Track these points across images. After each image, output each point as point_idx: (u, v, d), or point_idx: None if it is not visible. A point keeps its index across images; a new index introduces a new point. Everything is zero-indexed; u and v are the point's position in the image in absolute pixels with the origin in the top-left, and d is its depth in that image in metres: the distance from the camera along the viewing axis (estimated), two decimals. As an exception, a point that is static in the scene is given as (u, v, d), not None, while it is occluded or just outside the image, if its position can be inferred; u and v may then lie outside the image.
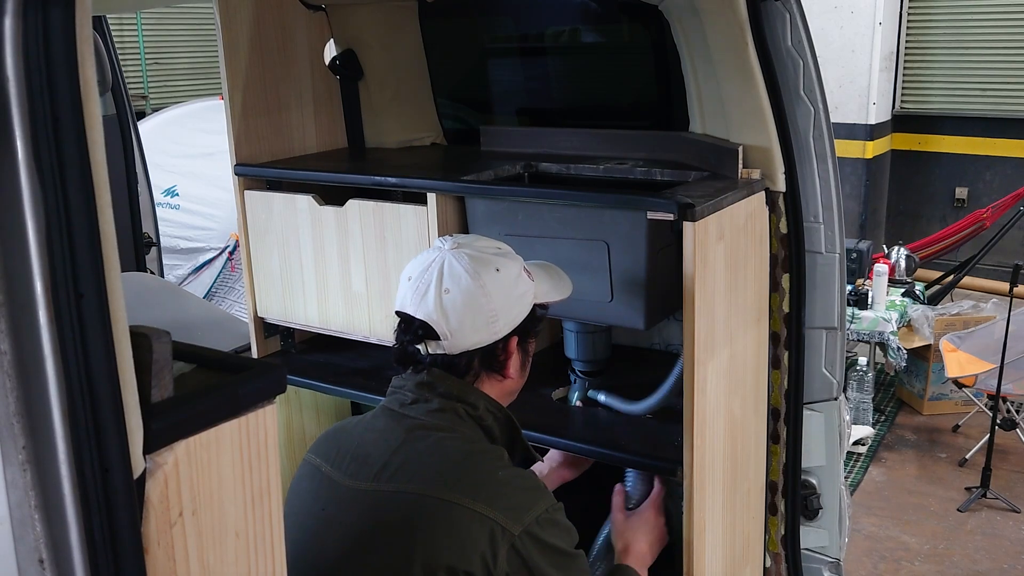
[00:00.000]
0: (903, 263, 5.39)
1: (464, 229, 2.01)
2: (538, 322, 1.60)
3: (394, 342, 1.57)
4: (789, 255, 1.92)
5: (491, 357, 1.54)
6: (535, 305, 1.58)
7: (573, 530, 1.48)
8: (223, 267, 5.81)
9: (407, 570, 1.36)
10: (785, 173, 1.85)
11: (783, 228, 1.90)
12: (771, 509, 2.06)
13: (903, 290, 5.26)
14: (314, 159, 2.35)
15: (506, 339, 1.53)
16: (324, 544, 1.45)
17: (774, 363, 1.99)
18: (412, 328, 1.51)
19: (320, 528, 1.46)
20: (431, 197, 1.95)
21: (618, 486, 1.89)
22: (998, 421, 4.35)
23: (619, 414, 1.96)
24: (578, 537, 1.49)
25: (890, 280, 5.16)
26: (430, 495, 1.40)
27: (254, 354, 2.36)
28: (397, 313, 1.54)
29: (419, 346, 1.51)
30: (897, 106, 7.45)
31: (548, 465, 1.99)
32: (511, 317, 1.52)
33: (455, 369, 1.52)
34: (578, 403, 2.03)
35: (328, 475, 1.50)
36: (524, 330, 1.57)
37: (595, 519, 1.95)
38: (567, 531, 1.46)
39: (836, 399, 2.02)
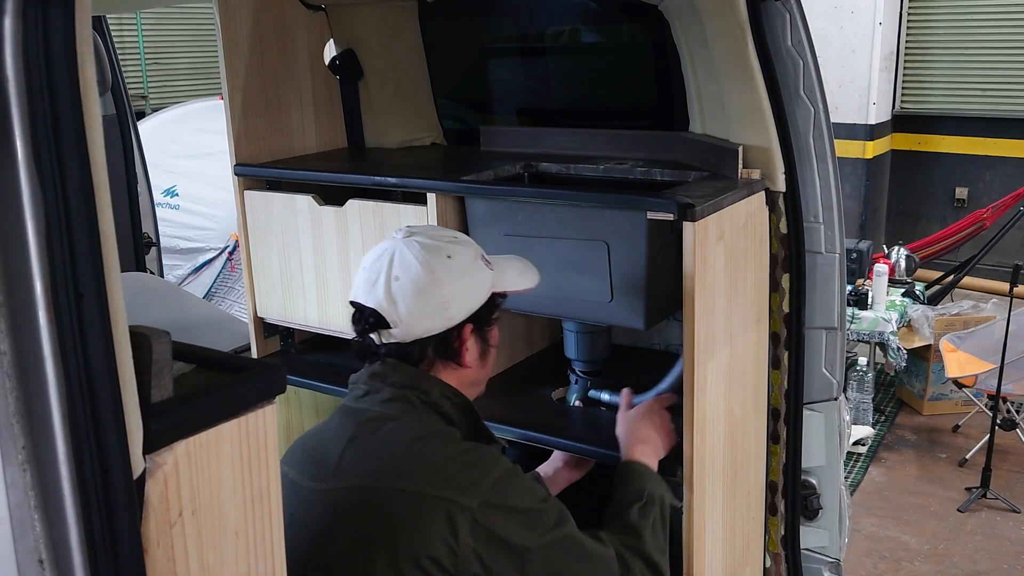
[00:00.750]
0: (903, 263, 5.39)
1: (464, 229, 2.00)
2: (495, 310, 1.60)
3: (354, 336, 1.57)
4: (789, 255, 1.92)
5: (445, 345, 1.53)
6: (494, 293, 1.58)
7: (535, 486, 1.47)
8: (223, 267, 5.81)
9: (371, 567, 1.36)
10: (785, 173, 1.85)
11: (783, 228, 1.90)
12: (771, 509, 2.06)
13: (903, 290, 5.25)
14: (314, 159, 2.35)
15: (460, 326, 1.53)
16: (293, 549, 1.45)
17: (774, 363, 1.99)
18: (364, 317, 1.52)
19: (289, 534, 1.46)
20: (431, 197, 1.95)
21: (626, 389, 1.85)
22: (998, 421, 4.35)
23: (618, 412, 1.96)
24: (544, 491, 1.48)
25: (890, 280, 5.15)
26: (382, 487, 1.41)
27: (254, 354, 2.36)
28: (351, 303, 1.55)
29: (373, 336, 1.52)
30: (897, 106, 7.45)
31: (553, 466, 1.98)
32: (465, 304, 1.52)
33: (409, 358, 1.53)
34: (577, 403, 2.03)
35: (293, 480, 1.50)
36: (480, 318, 1.56)
37: (596, 520, 1.94)
38: (528, 490, 1.45)
39: (836, 399, 2.02)
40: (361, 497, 1.42)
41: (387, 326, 1.50)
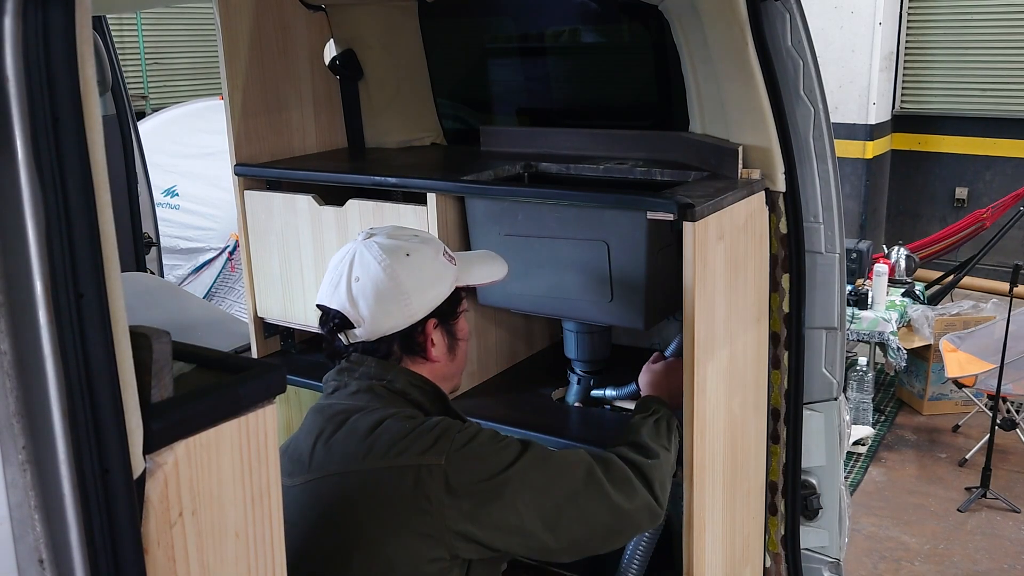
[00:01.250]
0: (903, 263, 5.39)
1: (464, 229, 2.01)
2: (459, 304, 1.62)
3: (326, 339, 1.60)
4: (789, 255, 1.92)
5: (410, 340, 1.56)
6: (458, 288, 1.60)
7: (493, 430, 1.51)
8: (223, 267, 5.81)
9: (347, 552, 1.38)
10: (785, 173, 1.85)
11: (783, 228, 1.90)
12: (771, 509, 2.06)
13: (903, 290, 5.25)
14: (314, 159, 2.35)
15: (423, 322, 1.56)
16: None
17: (774, 363, 1.99)
18: (329, 319, 1.55)
19: None
20: (431, 197, 1.95)
21: (657, 352, 1.94)
22: (998, 421, 4.35)
23: (619, 411, 1.96)
24: (500, 433, 1.52)
25: (890, 280, 5.15)
26: (348, 472, 1.43)
27: (254, 354, 2.36)
28: (317, 306, 1.59)
29: (340, 336, 1.55)
30: (897, 106, 7.45)
31: None
32: (426, 300, 1.55)
33: (376, 354, 1.56)
34: (577, 403, 2.03)
35: None
36: (444, 312, 1.58)
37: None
38: (488, 434, 1.48)
39: (836, 399, 2.02)
40: (331, 486, 1.45)
41: (351, 326, 1.53)
